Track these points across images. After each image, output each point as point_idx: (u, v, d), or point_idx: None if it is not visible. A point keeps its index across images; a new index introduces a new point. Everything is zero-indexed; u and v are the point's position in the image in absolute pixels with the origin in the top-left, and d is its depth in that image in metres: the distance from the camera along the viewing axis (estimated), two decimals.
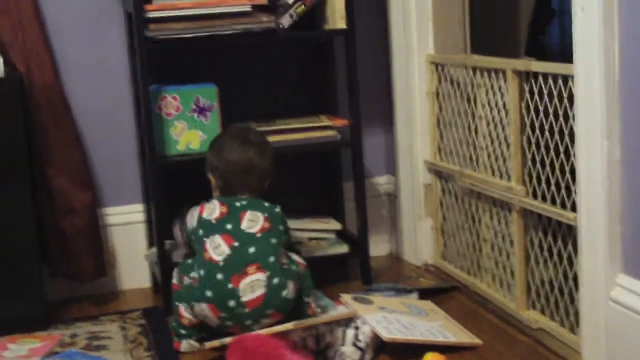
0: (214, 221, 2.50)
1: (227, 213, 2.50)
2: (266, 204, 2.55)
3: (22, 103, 2.70)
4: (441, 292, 2.87)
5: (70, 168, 2.88)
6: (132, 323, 2.76)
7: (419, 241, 3.15)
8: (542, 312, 2.50)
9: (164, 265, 2.81)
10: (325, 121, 2.96)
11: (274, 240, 2.48)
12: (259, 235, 2.47)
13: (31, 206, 2.71)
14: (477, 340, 2.45)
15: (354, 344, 2.34)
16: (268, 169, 2.60)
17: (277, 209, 2.56)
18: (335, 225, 3.07)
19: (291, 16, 2.86)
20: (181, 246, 2.72)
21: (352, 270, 3.07)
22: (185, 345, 2.52)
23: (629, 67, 2.02)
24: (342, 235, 3.08)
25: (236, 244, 2.45)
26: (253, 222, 2.49)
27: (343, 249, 2.99)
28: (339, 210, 3.20)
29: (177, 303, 2.54)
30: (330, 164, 3.21)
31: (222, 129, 2.87)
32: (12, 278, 2.69)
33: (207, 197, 2.94)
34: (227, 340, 2.32)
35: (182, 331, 2.53)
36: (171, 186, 2.99)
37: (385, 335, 2.33)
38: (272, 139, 2.85)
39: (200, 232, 2.50)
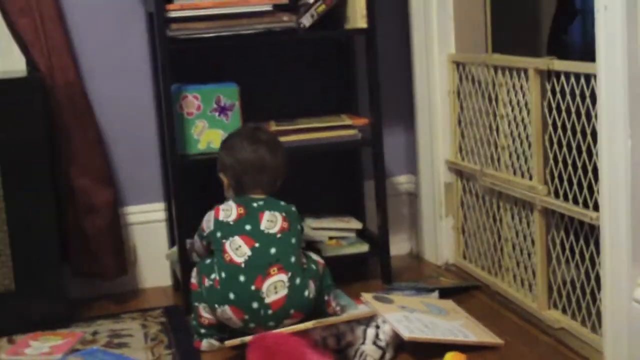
0: (232, 223, 2.49)
1: (245, 214, 2.50)
2: (282, 203, 2.55)
3: (44, 103, 2.71)
4: (462, 291, 2.86)
5: (92, 167, 2.90)
6: (152, 321, 2.77)
7: (440, 240, 3.14)
8: (564, 312, 2.49)
9: (184, 264, 2.82)
10: (346, 120, 2.96)
11: (293, 240, 2.48)
12: (279, 235, 2.47)
13: (53, 205, 2.72)
14: (498, 340, 2.44)
15: (375, 343, 2.34)
16: (280, 167, 2.59)
17: (293, 208, 2.56)
18: (356, 224, 3.07)
19: (312, 16, 2.86)
20: (200, 251, 2.67)
21: (372, 270, 3.07)
22: (205, 344, 2.53)
23: None
24: (362, 234, 3.07)
25: (257, 244, 2.45)
26: (272, 222, 2.49)
27: (363, 248, 2.98)
28: (360, 209, 3.20)
29: (196, 303, 2.54)
30: (351, 163, 3.21)
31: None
32: (34, 276, 2.71)
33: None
34: (248, 338, 2.32)
35: (202, 330, 2.53)
36: (192, 185, 3.00)
37: (407, 334, 2.33)
38: (292, 138, 2.86)
39: (218, 234, 2.49)
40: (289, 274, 2.42)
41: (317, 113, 3.07)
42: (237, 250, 2.44)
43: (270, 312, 2.41)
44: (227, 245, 2.46)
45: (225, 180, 2.64)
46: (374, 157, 2.96)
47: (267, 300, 2.40)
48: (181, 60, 2.93)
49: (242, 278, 2.41)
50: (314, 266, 2.53)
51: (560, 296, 2.51)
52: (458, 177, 3.06)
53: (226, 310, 2.43)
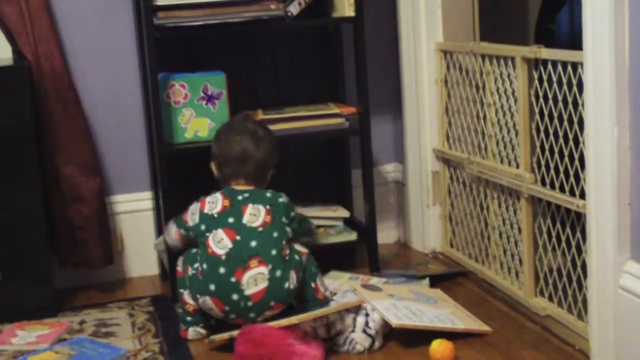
0: (216, 215, 2.50)
1: (230, 206, 2.51)
2: (269, 195, 2.55)
3: (30, 91, 2.70)
4: (450, 278, 2.87)
5: (79, 156, 2.89)
6: (140, 310, 2.77)
7: (427, 229, 3.15)
8: (550, 299, 2.50)
9: (171, 254, 2.82)
10: (333, 109, 2.95)
11: (275, 234, 2.48)
12: (260, 229, 2.47)
13: (39, 194, 2.71)
14: (486, 328, 2.45)
15: (364, 331, 2.35)
16: (263, 158, 2.58)
17: (281, 199, 2.55)
18: (344, 212, 3.07)
19: (299, 4, 2.85)
20: (174, 241, 2.66)
21: (359, 258, 3.08)
22: (192, 332, 2.53)
23: (639, 54, 2.01)
24: (350, 222, 3.08)
25: (238, 237, 2.45)
26: (254, 216, 2.49)
27: (352, 236, 2.99)
28: (347, 198, 3.20)
29: (181, 290, 2.55)
30: (338, 152, 3.21)
31: (230, 117, 2.87)
32: (21, 266, 2.70)
33: (214, 185, 2.94)
34: (236, 332, 2.33)
35: (188, 318, 2.53)
36: (179, 174, 3.00)
37: (394, 321, 2.33)
38: (280, 126, 2.85)
39: (203, 227, 2.50)
40: (269, 266, 2.43)
41: (304, 102, 3.07)
42: (219, 243, 2.45)
43: (250, 303, 2.42)
44: (210, 238, 2.47)
45: (214, 169, 2.66)
46: (361, 146, 2.96)
47: (247, 292, 2.41)
48: (168, 48, 2.92)
49: (222, 270, 2.42)
50: (297, 256, 2.53)
51: (546, 284, 2.52)
52: (445, 166, 3.06)
53: (207, 301, 2.44)
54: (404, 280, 2.79)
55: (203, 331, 2.53)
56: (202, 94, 2.84)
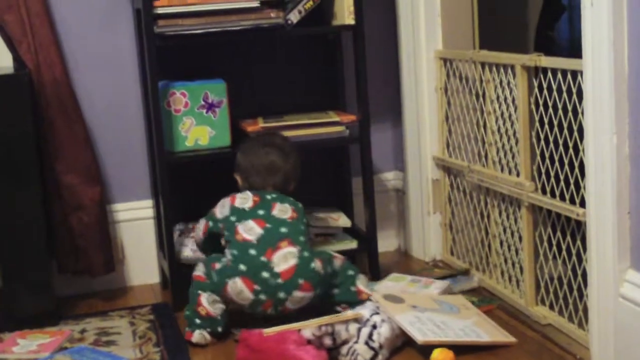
0: (247, 209, 2.59)
1: (260, 201, 2.61)
2: (291, 199, 2.66)
3: (31, 99, 2.70)
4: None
5: (79, 164, 2.89)
6: (141, 319, 2.77)
7: (427, 237, 3.15)
8: (551, 308, 2.50)
9: (172, 262, 2.82)
10: (333, 117, 2.96)
11: (302, 227, 2.59)
12: (289, 220, 2.58)
13: (40, 203, 2.71)
14: (511, 339, 2.42)
15: (367, 343, 2.32)
16: (291, 171, 2.69)
17: (300, 205, 2.66)
18: (345, 221, 3.05)
19: (299, 12, 2.86)
20: (196, 238, 2.74)
21: (360, 266, 3.05)
22: (197, 335, 2.52)
23: (638, 62, 2.02)
24: (350, 230, 3.07)
25: (268, 225, 2.55)
26: (283, 211, 2.59)
27: (352, 244, 2.98)
28: (347, 206, 3.20)
29: (199, 291, 2.54)
30: (338, 160, 3.21)
31: (230, 125, 2.87)
32: (21, 274, 2.70)
33: (215, 193, 2.95)
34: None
35: (197, 320, 2.53)
36: (180, 182, 3.00)
37: (420, 338, 2.31)
38: None
39: (233, 218, 2.58)
40: (298, 247, 2.52)
41: (304, 109, 3.07)
42: (250, 230, 2.54)
43: (280, 281, 2.47)
44: (240, 227, 2.55)
45: (239, 180, 2.72)
46: (361, 154, 2.96)
47: (277, 269, 2.48)
48: (169, 56, 2.92)
49: (252, 251, 2.51)
50: (326, 254, 2.62)
51: (547, 292, 2.52)
52: (445, 174, 3.07)
53: (237, 282, 2.48)
54: (452, 280, 2.82)
55: (208, 337, 2.53)
56: (203, 102, 2.84)
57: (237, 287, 2.48)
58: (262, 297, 2.47)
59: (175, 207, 2.86)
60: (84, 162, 2.90)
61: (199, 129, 2.85)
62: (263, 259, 2.49)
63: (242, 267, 2.49)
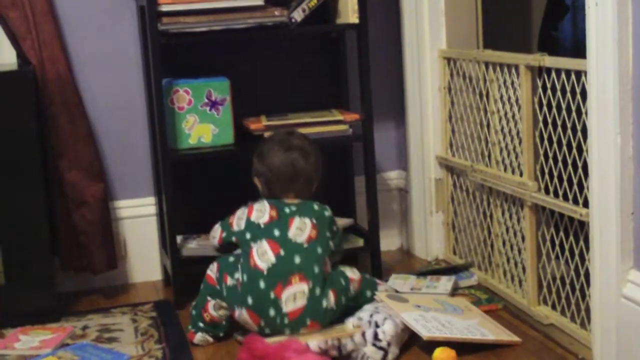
0: (262, 225, 2.48)
1: (277, 217, 2.49)
2: (316, 207, 2.55)
3: (35, 96, 2.71)
4: (458, 271, 2.90)
5: (83, 161, 2.89)
6: (143, 315, 2.77)
7: (430, 236, 3.15)
8: (554, 307, 2.50)
9: (174, 259, 2.82)
10: (337, 115, 2.96)
11: (319, 250, 2.47)
12: (305, 245, 2.46)
13: (43, 199, 2.71)
14: (515, 338, 2.43)
15: (374, 344, 2.31)
16: (313, 173, 2.59)
17: (327, 212, 2.56)
18: (346, 221, 3.05)
19: (303, 10, 2.86)
20: (212, 245, 2.67)
21: (362, 265, 3.07)
22: (199, 337, 2.53)
23: None
24: (353, 229, 3.07)
25: (282, 252, 2.44)
26: (300, 230, 2.48)
27: (359, 242, 2.98)
28: (350, 205, 3.20)
29: (208, 297, 2.52)
30: (341, 159, 3.21)
31: (234, 123, 2.87)
32: (24, 270, 2.70)
33: (218, 190, 2.96)
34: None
35: (200, 324, 2.53)
36: (183, 179, 3.00)
37: (425, 333, 2.31)
38: None
39: (248, 235, 2.49)
40: (310, 283, 2.41)
41: (308, 108, 3.07)
42: (263, 255, 2.43)
43: (286, 320, 2.40)
44: (254, 249, 2.45)
45: (258, 184, 2.63)
46: (364, 153, 2.96)
47: (285, 309, 2.40)
48: (172, 54, 2.92)
49: (262, 284, 2.41)
50: (342, 281, 2.50)
51: (549, 292, 2.52)
52: (448, 173, 3.07)
53: (243, 313, 2.43)
54: (453, 275, 2.82)
55: (210, 339, 2.53)
56: (206, 100, 2.84)
57: (244, 317, 2.44)
58: (267, 330, 2.42)
59: (177, 205, 2.86)
60: (87, 159, 2.90)
61: (202, 127, 2.85)
62: (272, 295, 2.39)
63: (250, 300, 2.41)
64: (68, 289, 3.00)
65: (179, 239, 2.87)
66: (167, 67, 2.83)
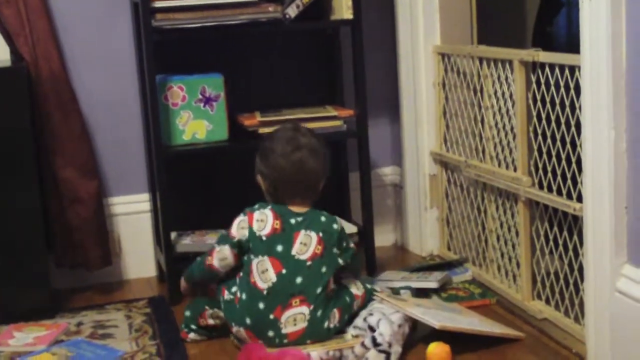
0: (264, 238, 2.36)
1: (280, 230, 2.36)
2: (323, 219, 2.40)
3: (28, 92, 2.70)
4: (453, 267, 2.91)
5: (77, 158, 2.89)
6: (137, 312, 2.77)
7: (424, 232, 3.15)
8: (547, 302, 2.51)
9: (169, 255, 2.82)
10: (331, 111, 2.96)
11: (324, 269, 2.35)
12: (309, 263, 2.34)
13: (37, 196, 2.71)
14: (519, 333, 2.43)
15: (375, 348, 2.29)
16: (320, 172, 2.44)
17: (335, 225, 2.40)
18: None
19: (297, 6, 2.85)
20: (224, 267, 2.45)
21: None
22: (193, 336, 2.53)
23: (636, 57, 2.02)
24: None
25: (284, 271, 2.33)
26: (305, 245, 2.35)
27: (353, 238, 2.96)
28: (345, 200, 3.20)
29: (206, 306, 2.49)
30: (336, 155, 3.21)
31: (228, 119, 2.87)
32: (18, 267, 2.70)
33: (212, 186, 2.95)
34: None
35: (193, 326, 2.52)
36: (177, 176, 3.00)
37: (437, 323, 2.31)
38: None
39: (251, 245, 2.37)
40: (311, 306, 2.32)
41: (302, 104, 3.07)
42: (263, 274, 2.33)
43: (285, 341, 2.33)
44: (255, 265, 2.35)
45: (262, 185, 2.48)
46: (359, 149, 2.96)
47: (284, 330, 2.32)
48: (166, 50, 2.92)
49: (261, 305, 2.32)
50: (347, 298, 2.40)
51: (543, 287, 2.52)
52: (443, 169, 3.07)
53: (241, 332, 2.37)
54: (447, 271, 2.82)
55: (204, 338, 2.53)
56: (200, 96, 2.84)
57: (242, 335, 2.37)
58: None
59: (172, 201, 2.85)
60: (81, 156, 2.90)
61: (196, 123, 2.85)
62: (271, 316, 2.31)
63: (248, 320, 2.33)
64: (62, 285, 2.99)
65: (173, 235, 2.86)
66: (161, 64, 2.83)
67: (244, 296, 2.36)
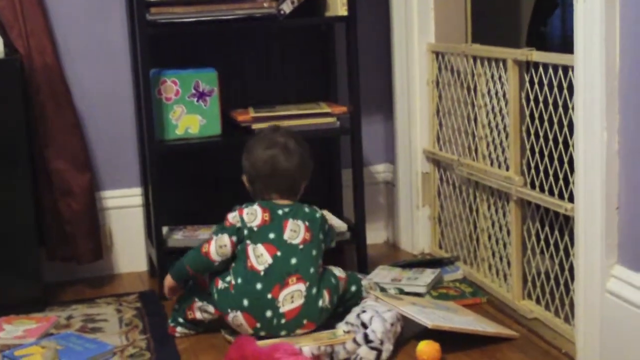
0: (255, 228, 2.43)
1: (270, 221, 2.44)
2: (307, 210, 2.49)
3: (21, 85, 2.70)
4: (444, 264, 2.91)
5: (69, 151, 2.88)
6: (127, 306, 2.76)
7: (416, 230, 3.15)
8: (538, 302, 2.51)
9: (160, 250, 2.82)
10: (324, 108, 2.95)
11: (314, 252, 2.44)
12: (301, 246, 2.42)
13: (30, 189, 2.70)
14: (513, 332, 2.44)
15: (367, 346, 2.29)
16: (294, 172, 2.51)
17: (318, 214, 2.50)
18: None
19: (292, 2, 2.85)
20: (222, 256, 2.45)
21: (348, 258, 3.08)
22: (180, 330, 2.53)
23: (629, 58, 2.02)
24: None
25: (279, 253, 2.40)
26: (295, 232, 2.43)
27: (345, 236, 2.97)
28: (337, 197, 3.20)
29: (196, 299, 2.49)
30: (329, 151, 3.21)
31: (221, 114, 2.87)
32: (9, 260, 2.70)
33: (205, 181, 2.94)
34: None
35: (180, 320, 2.52)
36: (169, 170, 3.00)
37: (429, 322, 2.32)
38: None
39: (246, 232, 2.43)
40: (307, 283, 2.39)
41: (296, 100, 3.07)
42: (259, 257, 2.40)
43: (283, 321, 2.38)
44: (250, 250, 2.41)
45: (246, 183, 2.57)
46: (352, 146, 2.96)
47: (282, 309, 2.37)
48: (160, 44, 2.92)
49: (259, 286, 2.37)
50: (333, 280, 2.47)
51: (534, 286, 2.52)
52: (435, 167, 3.07)
53: (238, 316, 2.39)
54: (438, 268, 2.82)
55: (192, 332, 2.53)
56: (194, 91, 2.84)
57: (238, 320, 2.39)
58: (262, 333, 2.39)
59: (164, 195, 2.85)
60: (73, 149, 2.89)
61: (189, 118, 2.84)
62: (269, 296, 2.36)
63: (246, 302, 2.36)
64: (53, 278, 2.99)
65: (164, 230, 2.86)
66: (154, 58, 2.83)
67: (239, 280, 2.39)
